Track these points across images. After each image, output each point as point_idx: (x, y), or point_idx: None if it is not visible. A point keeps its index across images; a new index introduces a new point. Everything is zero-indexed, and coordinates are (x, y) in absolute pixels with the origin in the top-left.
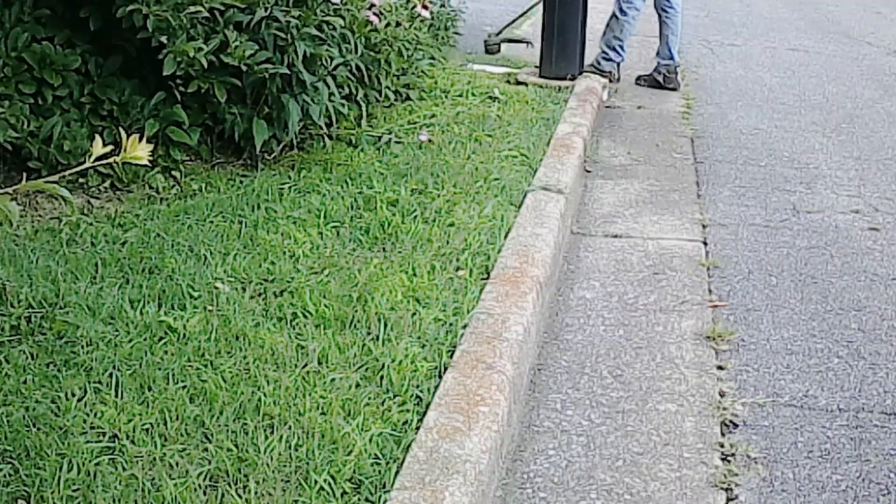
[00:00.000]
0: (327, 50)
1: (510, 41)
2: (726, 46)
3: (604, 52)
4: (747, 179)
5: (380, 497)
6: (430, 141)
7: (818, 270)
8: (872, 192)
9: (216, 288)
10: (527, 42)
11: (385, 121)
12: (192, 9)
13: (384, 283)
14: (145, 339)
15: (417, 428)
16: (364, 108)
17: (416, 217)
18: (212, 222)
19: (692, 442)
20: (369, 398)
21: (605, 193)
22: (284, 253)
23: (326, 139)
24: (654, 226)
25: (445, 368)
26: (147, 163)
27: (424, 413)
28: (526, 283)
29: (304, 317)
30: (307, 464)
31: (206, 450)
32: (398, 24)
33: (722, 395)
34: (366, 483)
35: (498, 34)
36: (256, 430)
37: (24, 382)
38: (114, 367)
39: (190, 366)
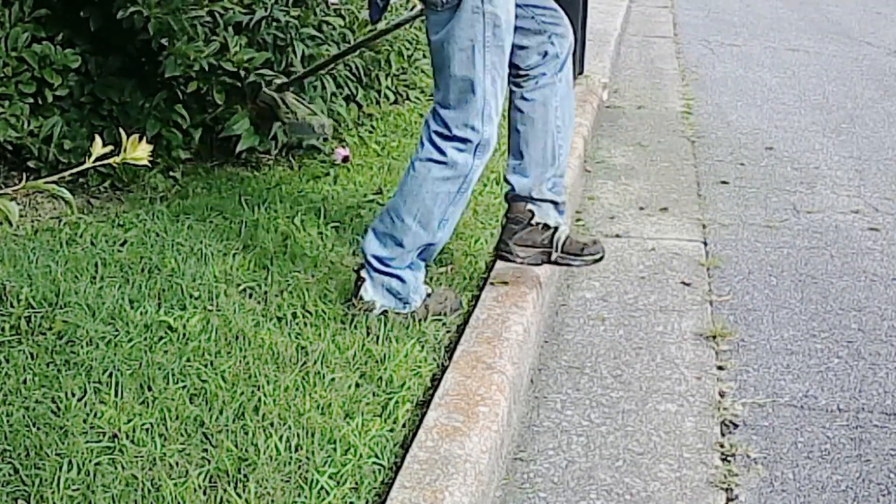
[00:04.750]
0: (327, 50)
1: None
2: (726, 46)
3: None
4: (747, 179)
5: (379, 497)
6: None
7: (818, 270)
8: (872, 192)
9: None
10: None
11: (385, 121)
12: (193, 12)
13: None
14: (145, 339)
15: (417, 428)
16: (364, 109)
17: None
18: (212, 222)
19: (692, 442)
20: (369, 398)
21: (605, 193)
22: (284, 253)
23: (326, 139)
24: (654, 226)
25: (445, 368)
26: (147, 163)
27: (424, 413)
28: (526, 282)
29: (304, 317)
30: (307, 464)
31: (206, 450)
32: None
33: (722, 395)
34: (365, 483)
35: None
36: (256, 430)
37: (24, 382)
38: (114, 367)
39: (190, 366)
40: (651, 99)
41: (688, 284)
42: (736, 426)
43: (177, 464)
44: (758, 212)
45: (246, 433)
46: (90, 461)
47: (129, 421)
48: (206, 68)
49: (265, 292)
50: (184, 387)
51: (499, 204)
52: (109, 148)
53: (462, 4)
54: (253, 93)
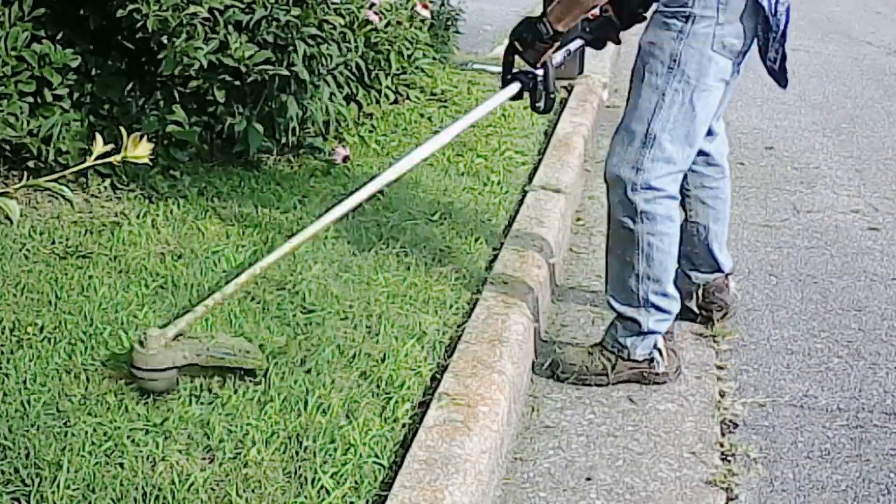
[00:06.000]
0: (327, 49)
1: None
2: None
3: (627, 317)
4: (747, 179)
5: (379, 497)
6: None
7: (818, 270)
8: (872, 192)
9: None
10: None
11: (385, 120)
12: (192, 9)
13: (384, 282)
14: None
15: (417, 427)
16: (364, 108)
17: (416, 217)
18: (211, 222)
19: (692, 442)
20: (369, 398)
21: (605, 193)
22: None
23: (326, 139)
24: None
25: (445, 368)
26: (147, 162)
27: (424, 413)
28: (526, 282)
29: (305, 316)
30: (307, 464)
31: (206, 449)
32: (398, 24)
33: (722, 395)
34: (365, 483)
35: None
36: (256, 430)
37: (24, 382)
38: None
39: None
40: None
41: None
42: (736, 426)
43: (177, 463)
44: (758, 211)
45: (246, 433)
46: (90, 461)
47: (130, 421)
48: (206, 66)
49: (265, 292)
50: (184, 386)
51: (498, 203)
52: (110, 146)
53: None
54: (254, 91)
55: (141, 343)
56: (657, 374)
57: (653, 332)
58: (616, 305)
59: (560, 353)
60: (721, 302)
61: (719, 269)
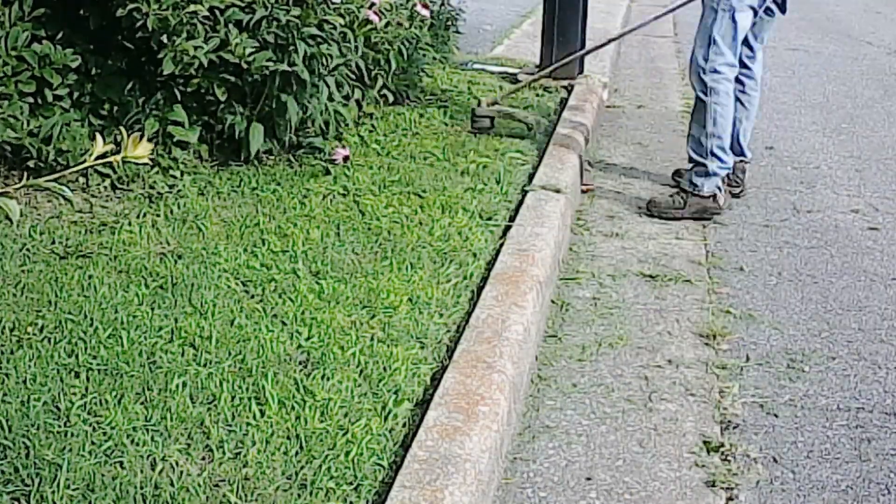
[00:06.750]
0: (327, 49)
1: (510, 118)
2: None
3: (698, 162)
4: (747, 179)
5: (379, 497)
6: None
7: (818, 270)
8: (872, 192)
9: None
10: (528, 125)
11: (385, 120)
12: (192, 8)
13: (384, 282)
14: (145, 340)
15: (417, 427)
16: (363, 109)
17: (416, 217)
18: (212, 222)
19: (692, 442)
20: (369, 398)
21: (606, 192)
22: (284, 253)
23: (326, 139)
24: (654, 225)
25: (445, 368)
26: (147, 162)
27: (424, 413)
28: (526, 282)
29: (304, 316)
30: (307, 464)
31: (206, 449)
32: (398, 24)
33: (722, 395)
34: (365, 483)
35: (493, 103)
36: (256, 431)
37: (25, 382)
38: (114, 368)
39: (190, 366)
40: (651, 98)
41: (688, 283)
42: (736, 426)
43: (177, 464)
44: (758, 211)
45: (246, 433)
46: (90, 461)
47: (130, 421)
48: (206, 65)
49: (265, 292)
50: (184, 386)
51: (498, 203)
52: (110, 146)
53: None
54: (254, 91)
55: (479, 103)
56: (719, 206)
57: (715, 175)
58: (693, 155)
59: (652, 199)
60: (738, 179)
61: (742, 154)
